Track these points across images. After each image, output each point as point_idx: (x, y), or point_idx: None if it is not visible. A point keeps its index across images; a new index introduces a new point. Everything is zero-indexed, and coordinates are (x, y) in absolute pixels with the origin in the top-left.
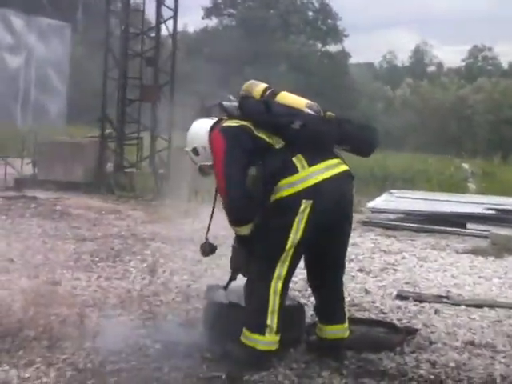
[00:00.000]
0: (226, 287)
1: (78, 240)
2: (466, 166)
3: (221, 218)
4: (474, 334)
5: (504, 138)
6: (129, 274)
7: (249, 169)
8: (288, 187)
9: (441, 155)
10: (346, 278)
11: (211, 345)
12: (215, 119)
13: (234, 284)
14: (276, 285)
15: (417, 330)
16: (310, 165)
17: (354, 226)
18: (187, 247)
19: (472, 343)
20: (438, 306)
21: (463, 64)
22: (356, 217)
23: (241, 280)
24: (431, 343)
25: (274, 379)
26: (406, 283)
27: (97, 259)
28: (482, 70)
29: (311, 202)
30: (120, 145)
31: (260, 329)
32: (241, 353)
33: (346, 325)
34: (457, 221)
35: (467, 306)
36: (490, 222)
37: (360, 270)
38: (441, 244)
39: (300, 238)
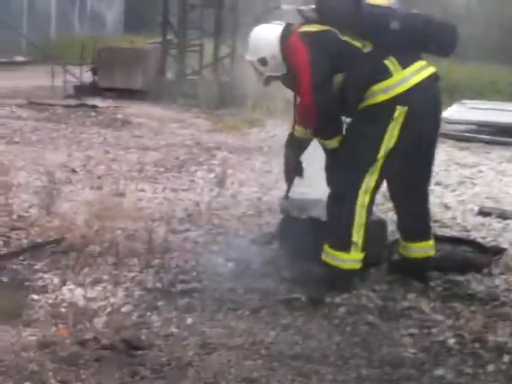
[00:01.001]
0: (286, 196)
1: (141, 149)
2: None
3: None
4: None
5: None
6: (195, 185)
7: (336, 76)
8: (382, 92)
9: (509, 65)
10: None
11: (288, 263)
12: (282, 24)
13: (311, 197)
14: (363, 197)
15: (504, 249)
16: (403, 68)
17: None
18: (255, 157)
19: None
20: None
21: None
22: None
23: (317, 192)
24: None
25: (356, 302)
26: (487, 198)
27: (161, 169)
28: None
29: (406, 107)
30: (182, 51)
31: (345, 245)
32: (323, 272)
33: (432, 242)
34: None
35: None
36: None
37: (437, 184)
38: (506, 155)
39: (392, 146)
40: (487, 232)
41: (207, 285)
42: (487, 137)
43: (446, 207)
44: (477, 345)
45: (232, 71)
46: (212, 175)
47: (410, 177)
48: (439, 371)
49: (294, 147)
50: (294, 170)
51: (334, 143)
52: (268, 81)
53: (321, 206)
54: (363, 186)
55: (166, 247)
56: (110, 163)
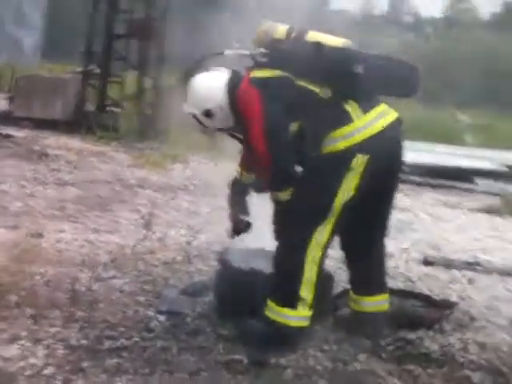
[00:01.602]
0: (232, 236)
1: (60, 185)
2: (463, 116)
3: None
4: None
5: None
6: (119, 226)
7: (292, 125)
8: (342, 139)
9: (431, 104)
10: None
11: (225, 319)
12: (226, 71)
13: (254, 247)
14: (315, 252)
15: (455, 303)
16: (364, 112)
17: None
18: (180, 197)
19: None
20: (468, 273)
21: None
22: None
23: (260, 242)
24: (472, 319)
25: (303, 364)
26: (428, 246)
27: (82, 208)
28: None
29: (367, 156)
30: (104, 82)
31: (291, 301)
32: (265, 329)
33: (387, 295)
34: (463, 175)
35: (501, 274)
36: (500, 179)
37: None
38: (452, 201)
39: (350, 196)
40: (433, 283)
41: (137, 342)
42: (418, 178)
43: (388, 256)
44: None
45: (156, 104)
46: (136, 216)
47: (367, 227)
48: None
49: (238, 192)
50: (238, 225)
51: (286, 195)
52: (213, 133)
53: (263, 257)
54: (314, 240)
55: (91, 297)
56: (26, 199)
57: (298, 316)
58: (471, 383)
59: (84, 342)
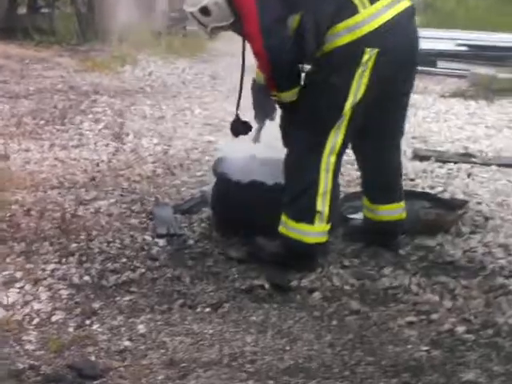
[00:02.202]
0: (255, 139)
1: (10, 98)
2: None
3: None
4: None
5: None
6: (86, 139)
7: (291, 17)
8: (346, 33)
9: None
10: None
11: (230, 238)
12: None
13: (251, 155)
14: (328, 159)
15: (466, 202)
16: (371, 2)
17: None
18: (140, 101)
19: None
20: (464, 166)
21: None
22: None
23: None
24: (487, 219)
25: (329, 284)
26: (413, 138)
27: (41, 122)
28: None
29: (376, 50)
30: None
31: (308, 216)
32: (281, 248)
33: (404, 203)
34: (425, 59)
35: (498, 165)
36: (463, 60)
37: None
38: (419, 87)
39: (361, 96)
40: (432, 180)
41: (144, 274)
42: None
43: None
44: (490, 331)
45: (91, 2)
46: (100, 126)
47: (382, 129)
48: (468, 375)
49: (259, 93)
50: (263, 111)
51: (290, 96)
52: (214, 32)
53: (263, 166)
54: (328, 147)
55: (79, 225)
56: None
57: (315, 231)
58: (509, 291)
59: (87, 278)
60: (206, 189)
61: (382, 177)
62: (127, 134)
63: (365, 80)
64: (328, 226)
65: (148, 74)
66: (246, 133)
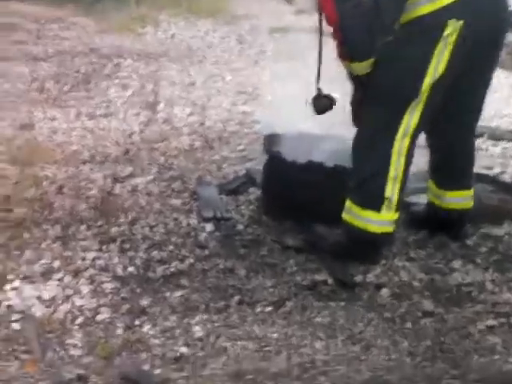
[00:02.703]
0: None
1: (30, 60)
2: None
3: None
4: None
5: None
6: (114, 107)
7: None
8: (427, 1)
9: None
10: None
11: (284, 224)
12: None
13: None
14: (402, 141)
15: None
16: None
17: None
18: (166, 66)
19: None
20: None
21: None
22: None
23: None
24: None
25: (397, 279)
26: None
27: (65, 87)
28: None
29: (461, 22)
30: None
31: (375, 203)
32: (344, 237)
33: (473, 191)
34: None
35: None
36: None
37: None
38: None
39: (441, 73)
40: (489, 160)
41: (193, 264)
42: None
43: None
44: None
45: None
46: (128, 92)
47: (460, 110)
48: None
49: (358, 82)
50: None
51: (362, 68)
52: None
53: (322, 145)
54: (402, 128)
55: (116, 205)
56: None
57: (381, 220)
58: None
59: (131, 269)
60: (251, 166)
61: (454, 161)
62: (158, 103)
63: (446, 55)
64: (396, 215)
65: (171, 37)
66: (330, 108)
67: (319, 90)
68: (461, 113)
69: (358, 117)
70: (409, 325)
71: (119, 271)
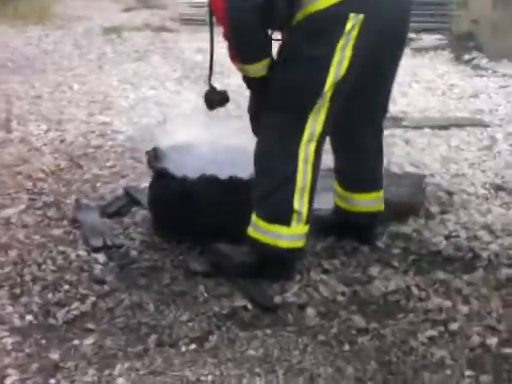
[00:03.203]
0: None
1: None
2: None
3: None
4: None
5: None
6: None
7: None
8: None
9: None
10: None
11: (176, 245)
12: None
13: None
14: (307, 148)
15: (423, 175)
16: None
17: None
18: (7, 79)
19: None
20: (397, 132)
21: None
22: None
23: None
24: (450, 194)
25: (317, 296)
26: None
27: None
28: None
29: (362, 16)
30: None
31: (283, 216)
32: (251, 255)
33: (383, 193)
34: None
35: (431, 128)
36: None
37: None
38: None
39: (345, 70)
40: None
41: (96, 304)
42: None
43: None
44: None
45: None
46: None
47: (366, 105)
48: None
49: (254, 86)
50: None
51: (257, 70)
52: None
53: (220, 157)
54: (306, 133)
55: None
56: None
57: (291, 234)
58: None
59: (29, 317)
60: (127, 184)
61: (362, 161)
62: (8, 120)
63: (348, 52)
64: (306, 228)
65: (5, 47)
66: (222, 104)
67: (211, 85)
68: (367, 111)
69: (257, 124)
70: (347, 347)
71: (16, 322)
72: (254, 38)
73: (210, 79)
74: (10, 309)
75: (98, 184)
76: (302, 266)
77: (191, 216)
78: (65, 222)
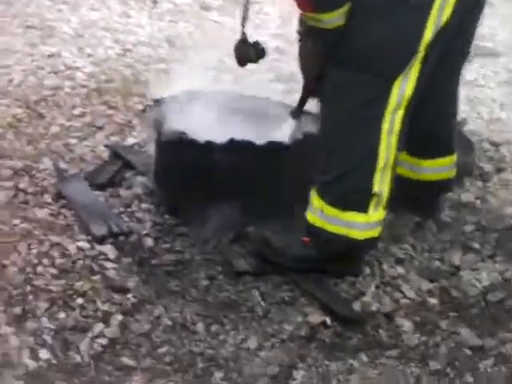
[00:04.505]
0: (295, 114)
1: None
2: None
3: None
4: None
5: None
6: None
7: None
8: None
9: None
10: None
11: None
12: None
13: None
14: (393, 116)
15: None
16: None
17: None
18: None
19: None
20: None
21: None
22: None
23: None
24: (496, 146)
25: (400, 297)
26: None
27: None
28: None
29: None
30: None
31: (360, 201)
32: (312, 248)
33: (455, 157)
34: None
35: None
36: None
37: None
38: None
39: (445, 22)
40: None
41: (126, 326)
42: None
43: None
44: None
45: None
46: None
47: (446, 63)
48: None
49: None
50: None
51: (333, 19)
52: None
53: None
54: (393, 98)
55: None
56: None
57: (368, 222)
58: None
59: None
60: (109, 142)
61: (440, 116)
62: None
63: (448, 11)
64: (385, 213)
65: None
66: (257, 60)
67: (244, 34)
68: (446, 72)
69: (318, 87)
70: (469, 377)
71: (30, 363)
72: None
73: (243, 27)
74: (15, 341)
75: (73, 141)
76: (369, 254)
77: (216, 189)
78: (47, 198)
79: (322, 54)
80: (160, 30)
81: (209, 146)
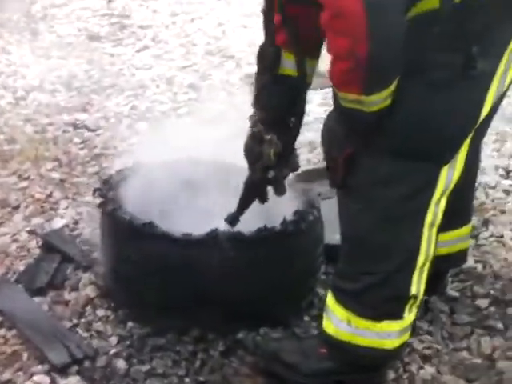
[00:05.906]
0: (232, 220)
1: None
2: None
3: None
4: None
5: None
6: None
7: None
8: None
9: None
10: None
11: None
12: None
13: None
14: (437, 206)
15: None
16: None
17: None
18: None
19: None
20: None
21: None
22: None
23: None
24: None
25: None
26: None
27: None
28: None
29: None
30: None
31: (397, 307)
32: (330, 360)
33: (471, 226)
34: None
35: None
36: None
37: None
38: None
39: (508, 85)
40: None
41: None
42: None
43: None
44: None
45: None
46: None
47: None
48: None
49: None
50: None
51: (378, 101)
52: None
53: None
54: (440, 185)
55: None
56: None
57: (401, 328)
58: None
59: None
60: (32, 224)
61: (454, 195)
62: None
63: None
64: (417, 312)
65: None
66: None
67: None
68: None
69: (344, 175)
70: None
71: None
72: (397, 56)
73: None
74: None
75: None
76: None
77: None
78: None
79: (353, 140)
80: (50, 69)
81: (185, 238)
